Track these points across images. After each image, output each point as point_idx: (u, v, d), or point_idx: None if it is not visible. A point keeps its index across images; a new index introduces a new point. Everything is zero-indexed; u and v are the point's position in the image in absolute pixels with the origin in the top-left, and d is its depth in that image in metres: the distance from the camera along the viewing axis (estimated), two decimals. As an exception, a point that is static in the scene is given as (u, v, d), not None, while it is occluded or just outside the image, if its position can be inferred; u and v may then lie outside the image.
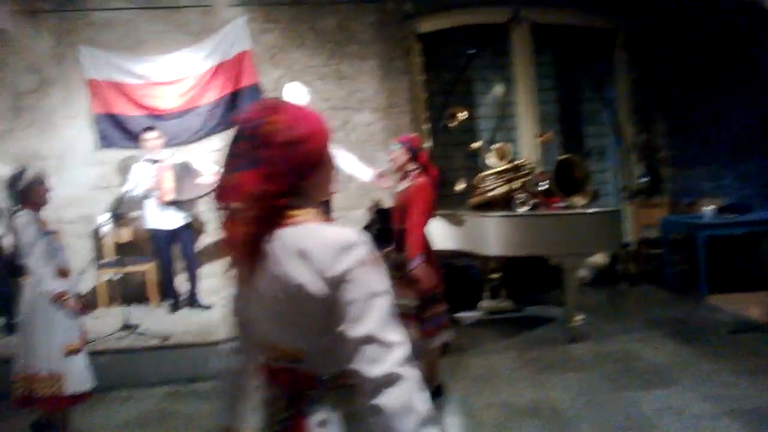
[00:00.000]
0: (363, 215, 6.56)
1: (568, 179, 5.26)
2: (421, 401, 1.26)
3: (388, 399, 1.23)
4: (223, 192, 1.41)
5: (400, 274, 3.66)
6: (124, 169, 6.28)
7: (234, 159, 1.39)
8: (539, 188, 5.32)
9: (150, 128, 5.75)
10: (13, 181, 3.52)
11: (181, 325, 5.25)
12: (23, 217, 3.45)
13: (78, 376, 3.54)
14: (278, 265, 1.34)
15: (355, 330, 1.28)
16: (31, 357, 3.46)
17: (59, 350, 3.47)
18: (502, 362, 4.68)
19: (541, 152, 6.59)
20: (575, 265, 5.05)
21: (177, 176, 5.59)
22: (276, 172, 1.34)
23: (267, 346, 1.45)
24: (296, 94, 5.28)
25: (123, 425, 4.01)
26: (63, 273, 3.57)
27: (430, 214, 3.81)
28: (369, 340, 1.27)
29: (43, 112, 6.24)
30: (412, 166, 3.87)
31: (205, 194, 5.71)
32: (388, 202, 6.26)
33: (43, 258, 3.45)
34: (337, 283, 1.30)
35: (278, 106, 1.41)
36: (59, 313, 3.49)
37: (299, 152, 1.37)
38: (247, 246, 1.36)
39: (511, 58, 6.89)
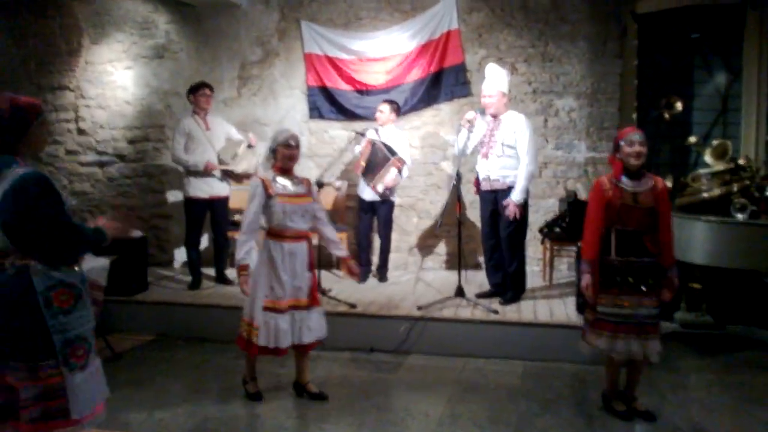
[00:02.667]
0: (554, 205, 6.35)
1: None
2: None
3: None
4: None
5: (648, 281, 3.56)
6: (327, 139, 6.69)
7: None
8: (765, 194, 4.75)
9: (388, 101, 5.94)
10: (271, 142, 3.82)
11: (368, 295, 5.48)
12: (254, 179, 3.82)
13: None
14: None
15: None
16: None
17: (260, 304, 3.81)
18: (696, 383, 4.32)
19: (768, 153, 5.85)
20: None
21: (370, 154, 5.68)
22: None
23: None
24: (495, 75, 5.16)
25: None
26: None
27: None
28: None
29: (266, 82, 6.81)
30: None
31: (390, 176, 5.67)
32: (582, 194, 5.99)
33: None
34: None
35: None
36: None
37: None
38: None
39: (743, 45, 6.14)
